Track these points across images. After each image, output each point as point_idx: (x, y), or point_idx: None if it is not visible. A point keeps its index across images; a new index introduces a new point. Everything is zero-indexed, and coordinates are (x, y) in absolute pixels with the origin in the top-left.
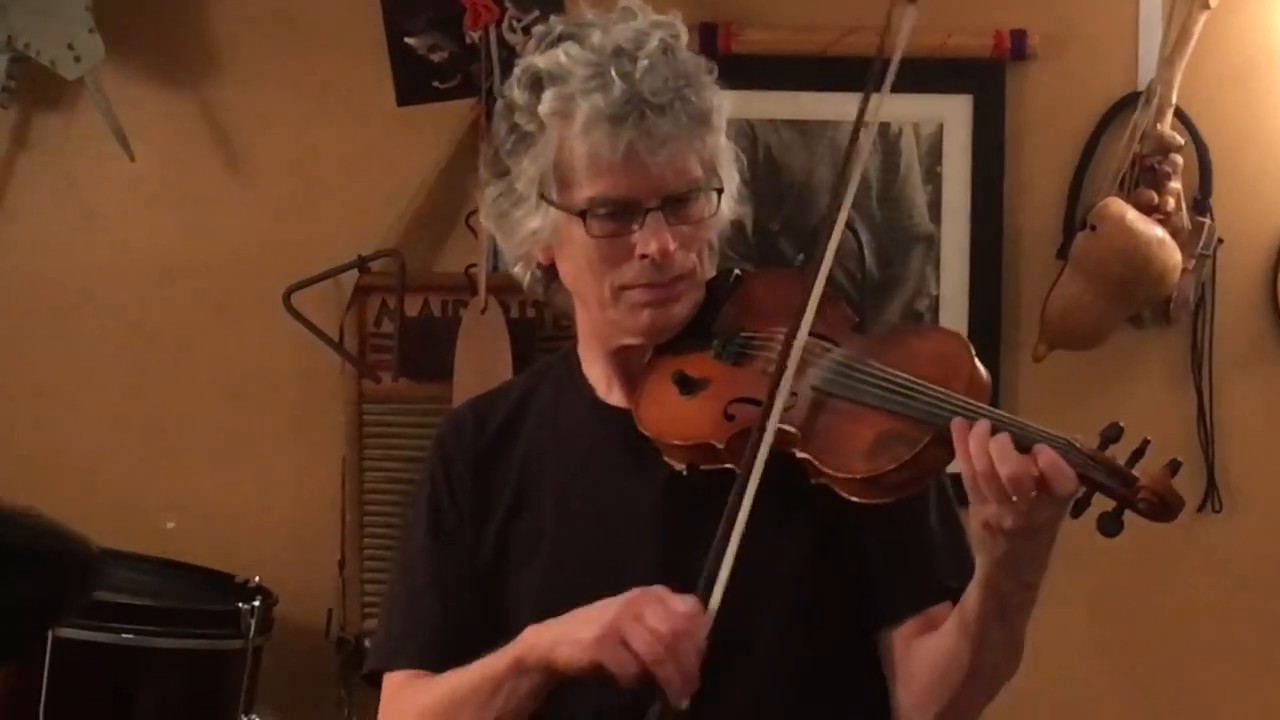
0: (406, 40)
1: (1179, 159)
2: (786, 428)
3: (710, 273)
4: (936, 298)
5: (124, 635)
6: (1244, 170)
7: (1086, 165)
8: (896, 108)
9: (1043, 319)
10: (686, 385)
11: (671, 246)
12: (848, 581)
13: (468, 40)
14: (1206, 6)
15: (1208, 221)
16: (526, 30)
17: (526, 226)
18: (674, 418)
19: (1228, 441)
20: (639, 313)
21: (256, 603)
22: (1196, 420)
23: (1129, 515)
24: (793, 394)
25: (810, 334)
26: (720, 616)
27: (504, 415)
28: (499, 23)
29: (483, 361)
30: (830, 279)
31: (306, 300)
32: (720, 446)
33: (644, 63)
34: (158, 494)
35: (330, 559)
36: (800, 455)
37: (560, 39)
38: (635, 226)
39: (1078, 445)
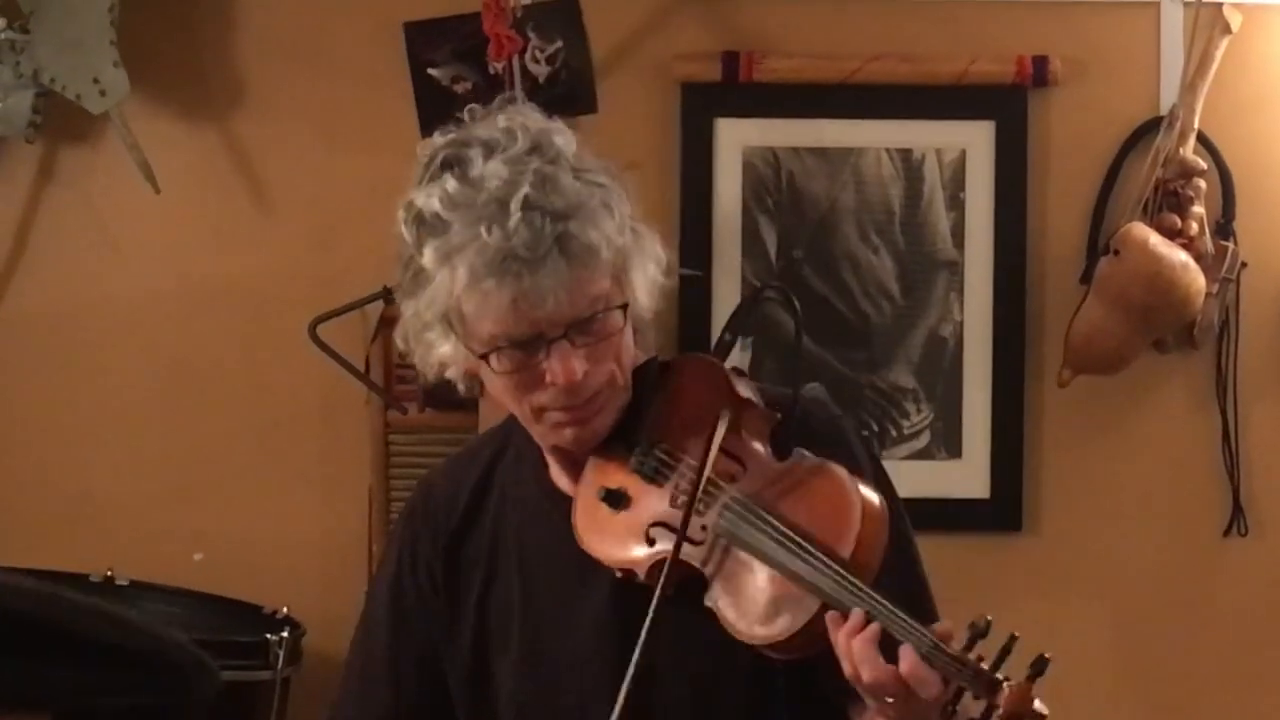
0: (430, 71)
1: (1202, 183)
2: (694, 564)
3: (636, 359)
4: (960, 324)
5: None
6: (1267, 194)
7: (1109, 190)
8: (919, 134)
9: (1066, 344)
10: (612, 500)
11: (579, 373)
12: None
13: (491, 71)
14: (1228, 31)
15: (1231, 245)
16: (550, 60)
17: (441, 350)
18: (604, 537)
19: (1253, 465)
20: (562, 431)
21: (285, 634)
22: (1221, 444)
23: None
24: (703, 528)
25: (723, 450)
26: (682, 697)
27: (472, 486)
28: (522, 53)
29: None
30: (749, 384)
31: (332, 332)
32: (642, 576)
33: (515, 216)
34: (185, 526)
35: (358, 589)
36: (707, 604)
37: (443, 167)
38: (541, 356)
39: (944, 648)
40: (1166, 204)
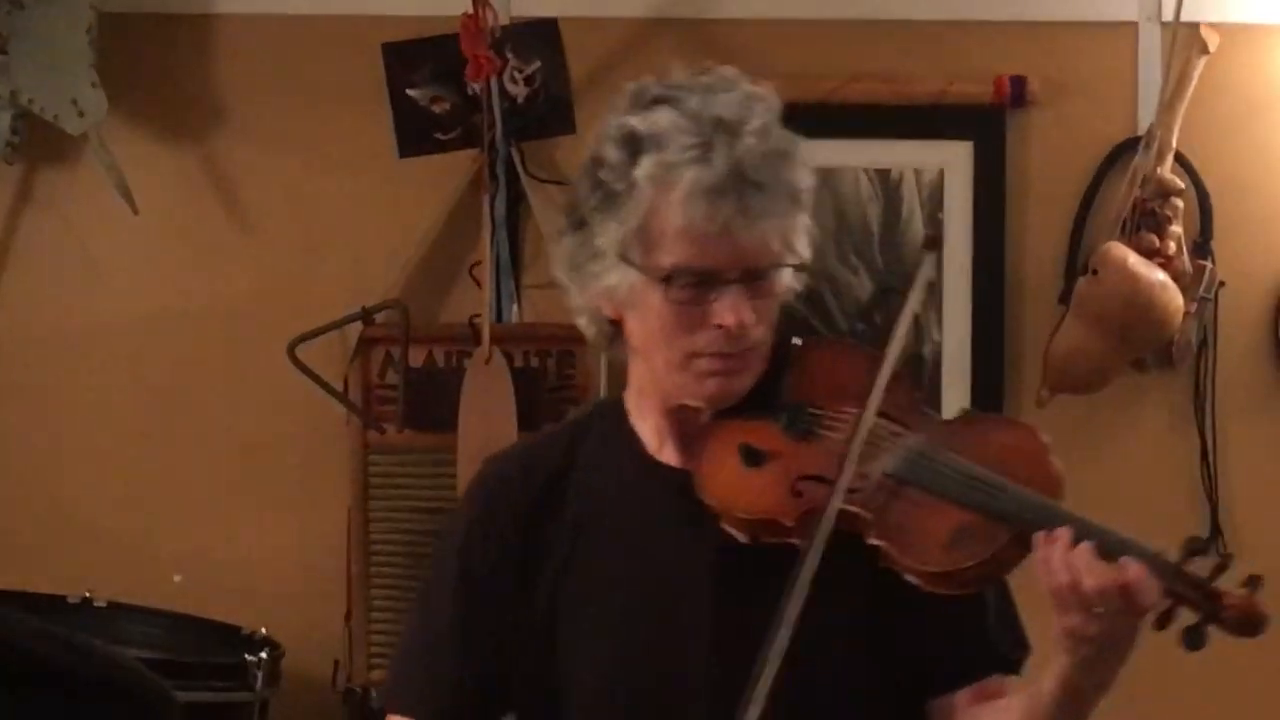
0: (408, 92)
1: (1179, 203)
2: (858, 511)
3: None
4: (939, 343)
5: None
6: (1244, 213)
7: (1087, 210)
8: (897, 154)
9: (1045, 364)
10: (752, 457)
11: (748, 319)
12: (904, 660)
13: (469, 92)
14: (1206, 51)
15: (1209, 265)
16: (529, 80)
17: (603, 282)
18: (740, 489)
19: (1231, 484)
20: (706, 380)
21: (264, 655)
22: (1200, 463)
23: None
24: (862, 476)
25: (879, 414)
26: (775, 696)
27: (551, 467)
28: (500, 74)
29: (487, 412)
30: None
31: (311, 352)
32: (789, 524)
33: (749, 139)
34: (164, 548)
35: (337, 610)
36: (872, 542)
37: (656, 101)
38: (713, 296)
39: (1164, 558)
40: (1144, 223)
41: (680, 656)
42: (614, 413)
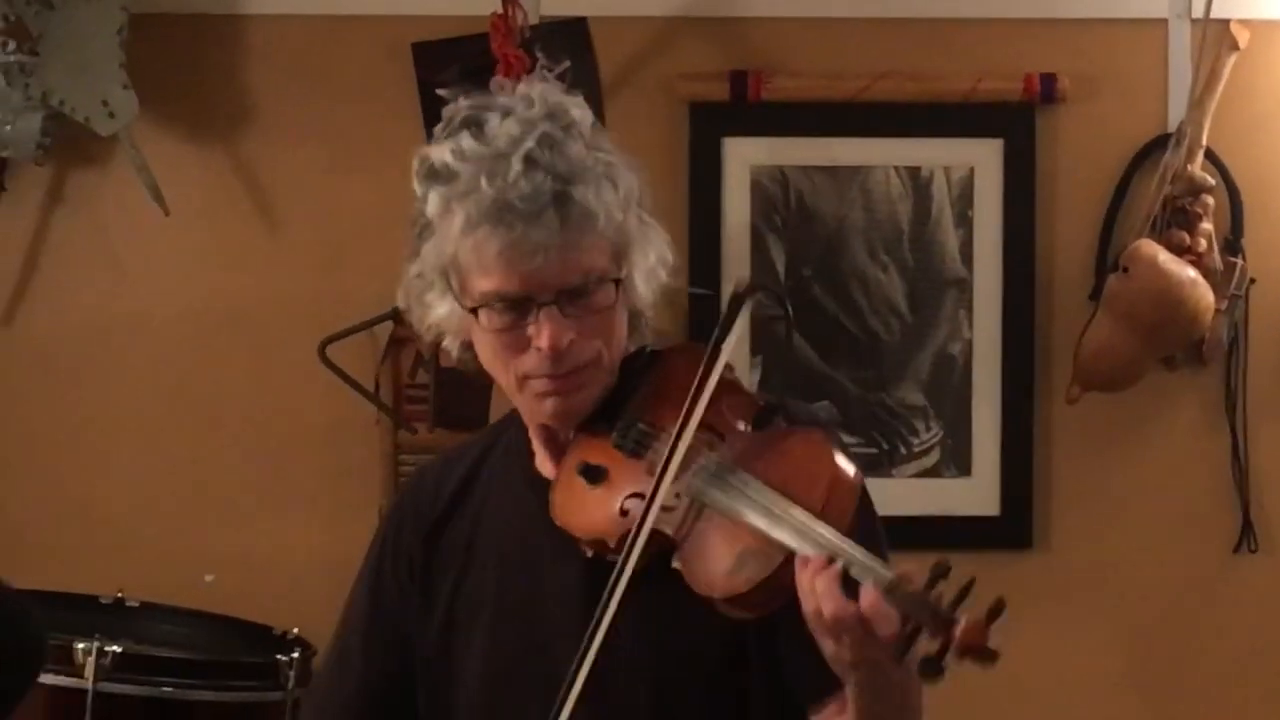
0: (438, 92)
1: (1210, 200)
2: (665, 530)
3: (628, 349)
4: (969, 341)
5: (163, 688)
6: (1275, 210)
7: (1118, 207)
8: (927, 152)
9: (1075, 361)
10: (590, 475)
11: (564, 340)
12: (764, 671)
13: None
14: (1236, 48)
15: (1239, 262)
16: (559, 80)
17: (438, 310)
18: (577, 509)
19: (1262, 481)
20: (543, 401)
21: (295, 654)
22: (1231, 460)
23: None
24: (677, 495)
25: (702, 425)
26: (638, 702)
27: (460, 476)
28: (530, 73)
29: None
30: (731, 370)
31: (342, 352)
32: (612, 544)
33: (515, 168)
34: (196, 547)
35: None
36: (674, 565)
37: (461, 126)
38: (530, 319)
39: (903, 584)
40: (1175, 221)
41: (551, 664)
42: (518, 424)
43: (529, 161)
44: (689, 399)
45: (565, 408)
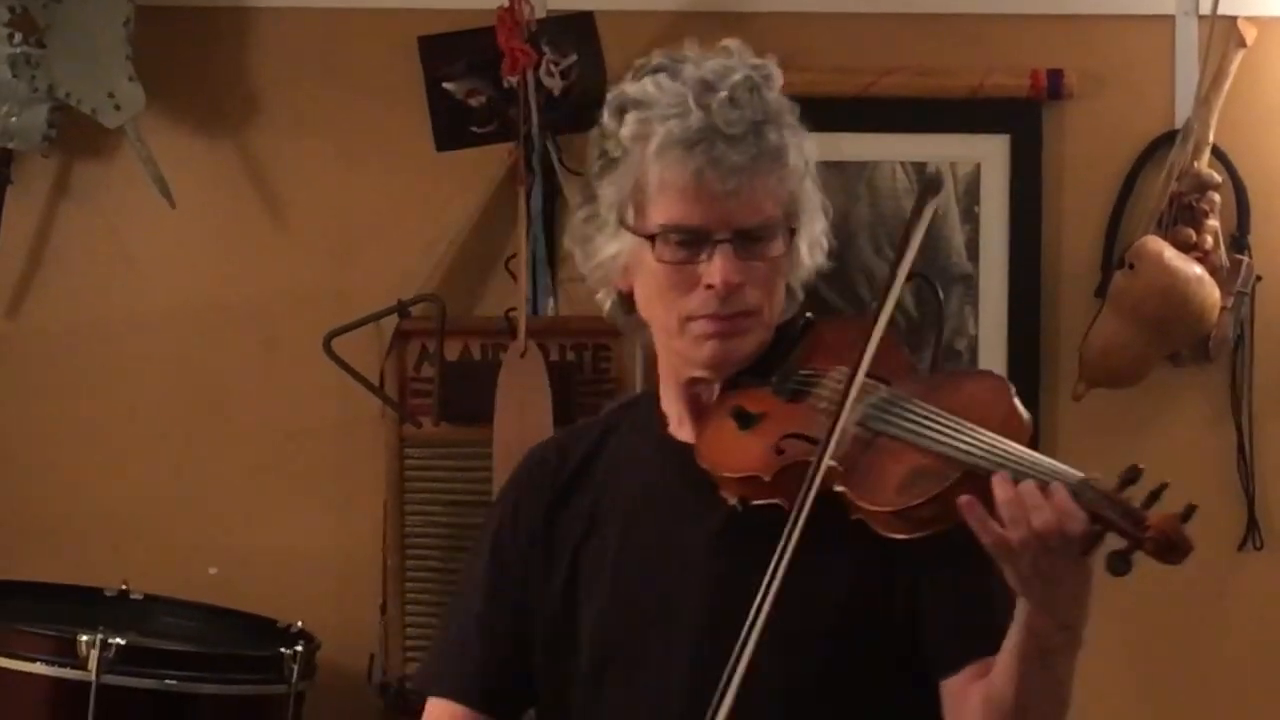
0: (444, 86)
1: (1216, 197)
2: (834, 464)
3: (785, 315)
4: (975, 337)
5: (167, 681)
6: None
7: (1124, 204)
8: (933, 147)
9: (1081, 358)
10: (744, 419)
11: (735, 279)
12: (898, 628)
13: (505, 85)
14: (1243, 44)
15: (1246, 259)
16: (565, 73)
17: (605, 250)
18: (727, 450)
19: (1268, 478)
20: (702, 344)
21: (299, 648)
22: (1236, 457)
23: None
24: (842, 432)
25: (867, 375)
26: (759, 659)
27: (584, 449)
28: (536, 67)
29: (523, 405)
30: (896, 326)
31: (347, 345)
32: (767, 480)
33: (723, 94)
34: (200, 540)
35: (372, 604)
36: (838, 489)
37: (654, 70)
38: (703, 256)
39: (1092, 484)
40: (1181, 218)
41: (675, 618)
42: (647, 401)
43: (734, 91)
44: (866, 334)
45: (724, 351)
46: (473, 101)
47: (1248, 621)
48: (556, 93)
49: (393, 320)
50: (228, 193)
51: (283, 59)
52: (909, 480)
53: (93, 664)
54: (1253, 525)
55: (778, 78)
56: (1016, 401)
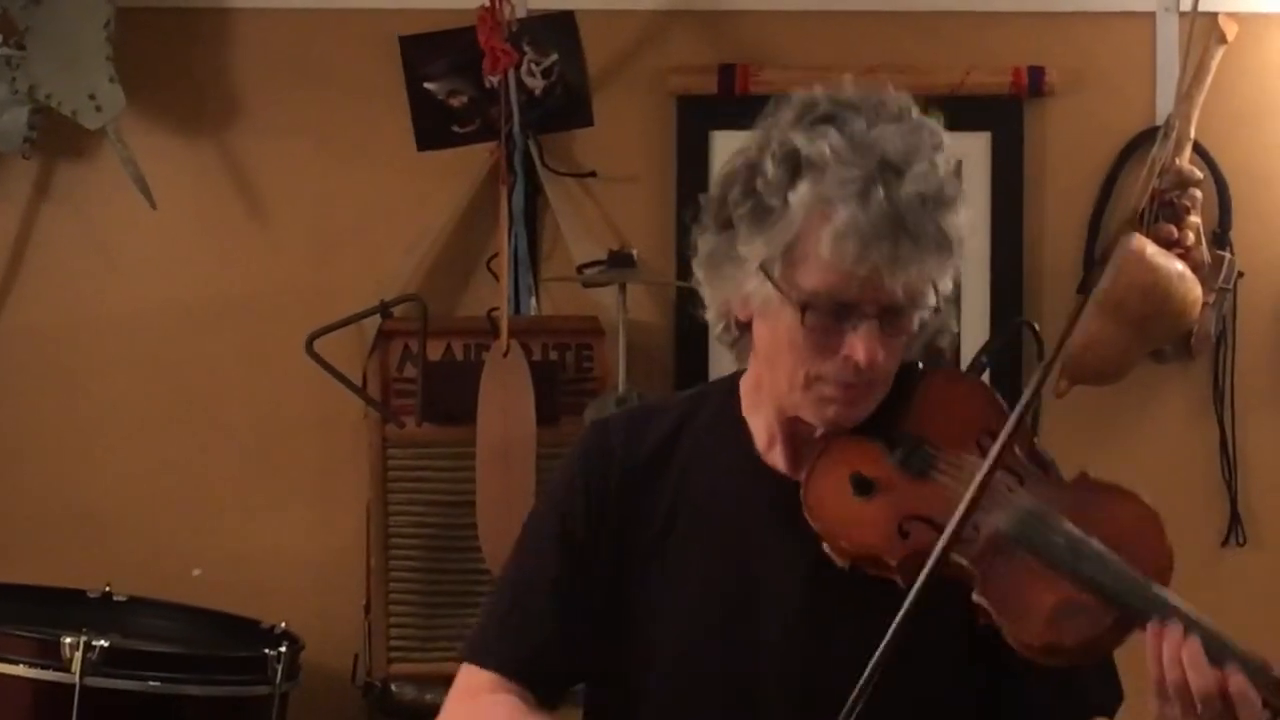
0: (426, 86)
1: (1198, 193)
2: (965, 563)
3: None
4: (957, 335)
5: (151, 683)
6: (1263, 203)
7: (1106, 200)
8: None
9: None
10: (863, 487)
11: (879, 357)
12: (998, 705)
13: (486, 85)
14: (1224, 41)
15: (1227, 255)
16: (546, 73)
17: (742, 288)
18: (847, 519)
19: (1250, 474)
20: (826, 406)
21: (283, 649)
22: (1219, 453)
23: None
24: (974, 528)
25: (1001, 464)
26: None
27: (659, 436)
28: (517, 67)
29: (506, 404)
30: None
31: (329, 346)
32: (893, 563)
33: (910, 185)
34: (183, 541)
35: (356, 604)
36: (976, 599)
37: (822, 120)
38: (848, 327)
39: (1267, 669)
40: (1163, 214)
41: (758, 656)
42: (726, 398)
43: (923, 179)
44: (998, 430)
45: (846, 416)
46: (454, 101)
47: (1231, 618)
48: (538, 92)
49: (375, 320)
50: (209, 193)
51: (263, 59)
52: (1062, 613)
53: (76, 666)
54: (1235, 521)
55: (945, 141)
56: (1166, 538)
